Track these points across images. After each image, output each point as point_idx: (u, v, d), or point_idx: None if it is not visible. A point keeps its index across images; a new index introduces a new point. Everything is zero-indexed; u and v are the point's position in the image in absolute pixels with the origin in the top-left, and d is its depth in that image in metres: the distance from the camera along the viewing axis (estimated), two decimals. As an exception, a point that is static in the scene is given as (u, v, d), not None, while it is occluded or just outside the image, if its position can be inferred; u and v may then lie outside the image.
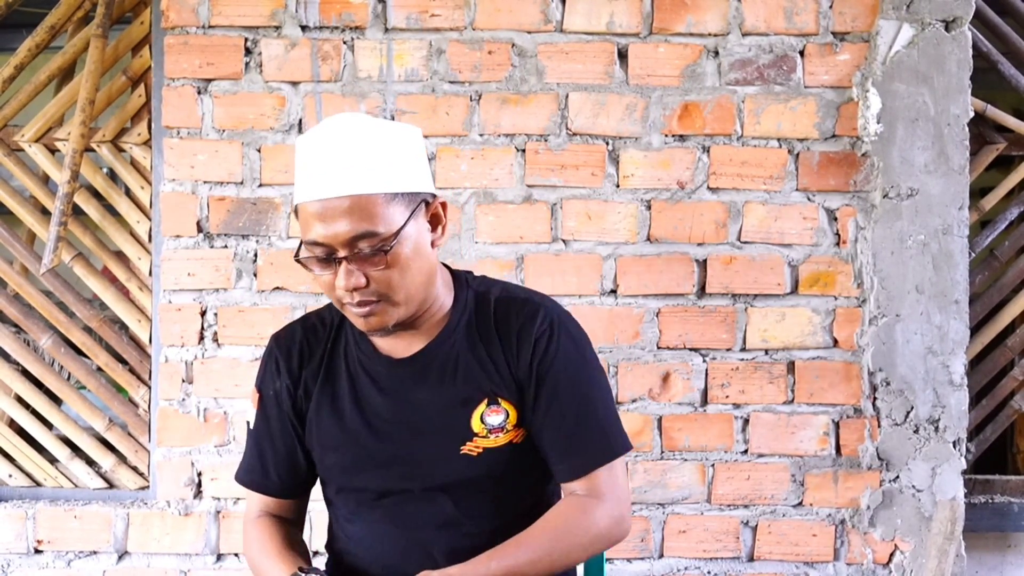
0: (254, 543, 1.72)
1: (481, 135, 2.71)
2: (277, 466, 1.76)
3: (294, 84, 2.71)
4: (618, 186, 2.72)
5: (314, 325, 1.76)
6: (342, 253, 1.53)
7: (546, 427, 1.63)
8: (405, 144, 1.58)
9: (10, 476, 2.86)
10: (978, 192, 2.88)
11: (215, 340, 2.71)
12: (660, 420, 2.72)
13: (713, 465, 2.73)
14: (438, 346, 1.66)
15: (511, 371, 1.63)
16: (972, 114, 2.71)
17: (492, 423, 1.63)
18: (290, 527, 1.79)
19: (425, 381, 1.66)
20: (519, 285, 1.79)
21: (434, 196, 1.61)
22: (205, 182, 2.71)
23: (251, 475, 1.78)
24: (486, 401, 1.63)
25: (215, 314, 2.71)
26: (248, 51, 2.71)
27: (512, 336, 1.63)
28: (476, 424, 1.63)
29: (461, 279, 1.72)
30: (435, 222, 1.61)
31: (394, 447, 1.66)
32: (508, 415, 1.63)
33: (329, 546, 1.83)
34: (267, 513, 1.79)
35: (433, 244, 1.61)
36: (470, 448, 1.63)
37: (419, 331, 1.67)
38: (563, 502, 1.63)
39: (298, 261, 1.56)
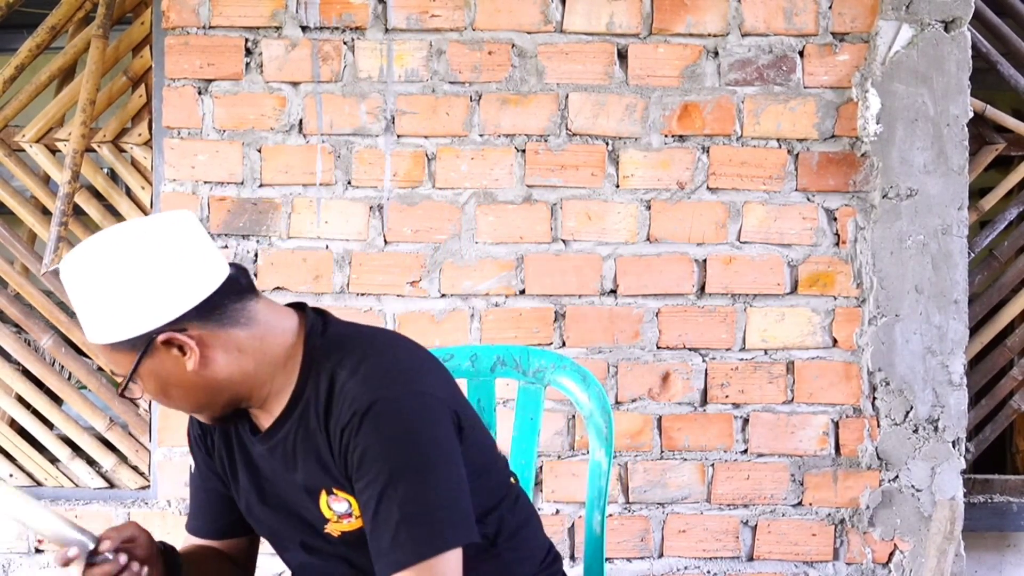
0: None
1: (481, 135, 2.72)
2: (211, 509, 1.77)
3: (294, 84, 2.71)
4: (618, 186, 2.72)
5: None
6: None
7: (364, 521, 1.51)
8: (120, 281, 1.45)
9: (11, 476, 2.86)
10: (977, 192, 2.89)
11: (216, 340, 2.71)
12: (660, 420, 2.73)
13: (713, 465, 2.73)
14: (279, 428, 1.58)
15: (335, 462, 1.53)
16: (971, 114, 2.71)
17: (339, 511, 1.56)
18: (222, 559, 1.79)
19: (278, 460, 1.60)
20: (377, 355, 1.56)
21: (167, 328, 1.46)
22: (205, 182, 2.72)
23: (192, 521, 1.80)
24: (325, 491, 1.56)
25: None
26: (249, 51, 2.72)
27: (332, 427, 1.52)
28: (326, 511, 1.57)
29: (311, 349, 1.56)
30: (184, 350, 1.48)
31: (279, 508, 1.64)
32: (350, 503, 1.54)
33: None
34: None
35: (194, 368, 1.49)
36: (331, 529, 1.58)
37: (271, 408, 1.59)
38: None
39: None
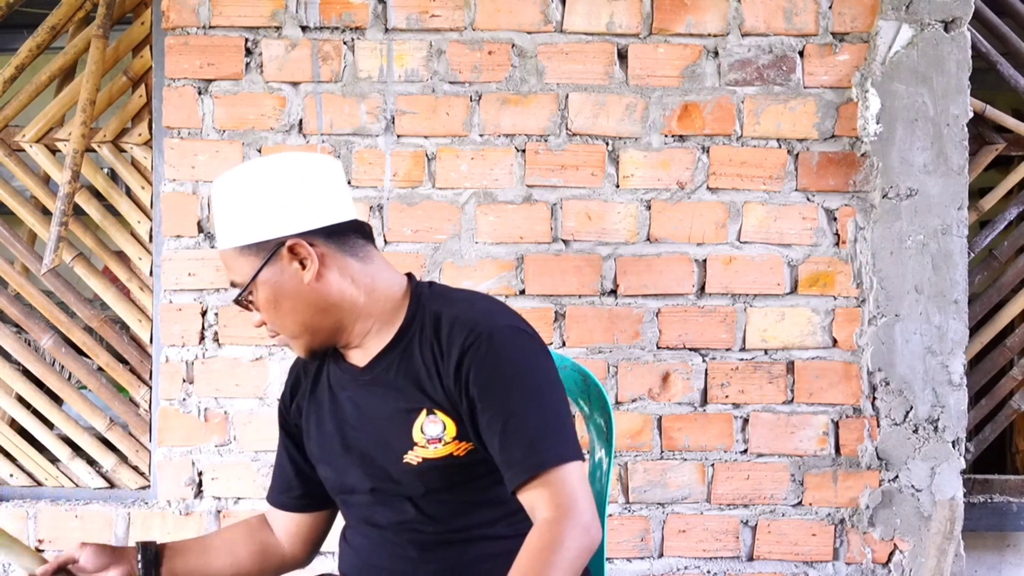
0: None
1: (481, 135, 2.72)
2: (289, 482, 1.88)
3: (294, 84, 2.72)
4: (618, 186, 2.73)
5: None
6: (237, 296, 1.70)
7: (488, 440, 1.61)
8: (261, 191, 1.64)
9: (11, 476, 2.87)
10: (977, 192, 2.89)
11: (216, 340, 2.72)
12: (660, 420, 2.73)
13: (713, 465, 2.74)
14: (384, 358, 1.70)
15: (443, 384, 1.64)
16: (971, 114, 2.71)
17: (431, 433, 1.65)
18: (269, 536, 1.90)
19: (378, 390, 1.70)
20: (483, 301, 1.75)
21: (295, 236, 1.63)
22: (206, 182, 2.72)
23: (271, 493, 1.91)
24: (425, 411, 1.65)
25: (216, 314, 2.71)
26: (248, 51, 2.72)
27: (444, 351, 1.64)
28: (417, 434, 1.65)
29: (417, 293, 1.72)
30: (304, 262, 1.64)
31: (355, 452, 1.73)
32: (445, 427, 1.64)
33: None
34: (267, 522, 1.92)
35: (313, 280, 1.64)
36: (411, 457, 1.66)
37: (369, 345, 1.72)
38: (528, 537, 1.57)
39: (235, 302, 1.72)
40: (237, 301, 1.68)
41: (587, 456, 2.04)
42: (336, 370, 1.77)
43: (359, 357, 1.73)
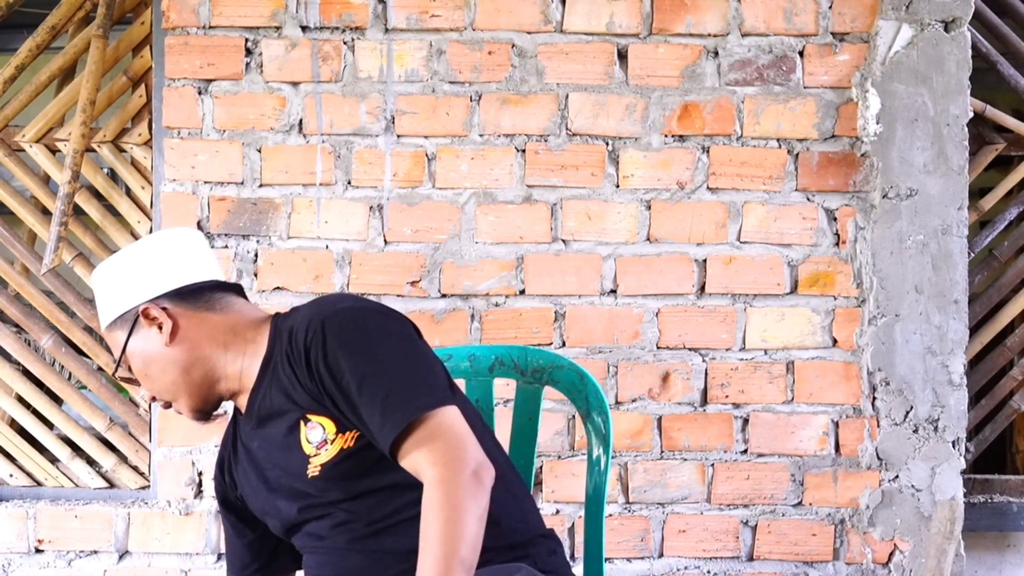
0: None
1: (481, 135, 2.72)
2: (243, 559, 1.90)
3: (294, 84, 2.72)
4: (618, 186, 2.72)
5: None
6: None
7: (358, 418, 1.62)
8: (122, 268, 1.74)
9: (11, 476, 2.87)
10: (977, 192, 2.89)
11: (216, 340, 2.72)
12: (660, 420, 2.73)
13: (713, 465, 2.73)
14: (257, 392, 1.74)
15: (303, 388, 1.66)
16: (971, 114, 2.71)
17: (315, 439, 1.66)
18: None
19: (265, 424, 1.73)
20: (327, 298, 1.78)
21: (147, 302, 1.71)
22: (205, 182, 2.72)
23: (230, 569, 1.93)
24: (302, 422, 1.67)
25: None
26: (248, 51, 2.72)
27: (296, 356, 1.66)
28: (306, 446, 1.67)
29: (275, 325, 1.75)
30: (158, 325, 1.71)
31: (276, 489, 1.75)
32: (324, 427, 1.66)
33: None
34: None
35: (168, 343, 1.71)
36: (312, 470, 1.67)
37: (248, 387, 1.75)
38: (423, 504, 1.52)
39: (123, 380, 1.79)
40: (121, 377, 1.76)
41: (584, 455, 2.04)
42: (241, 426, 1.81)
43: (244, 401, 1.77)
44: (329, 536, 1.70)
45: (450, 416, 1.56)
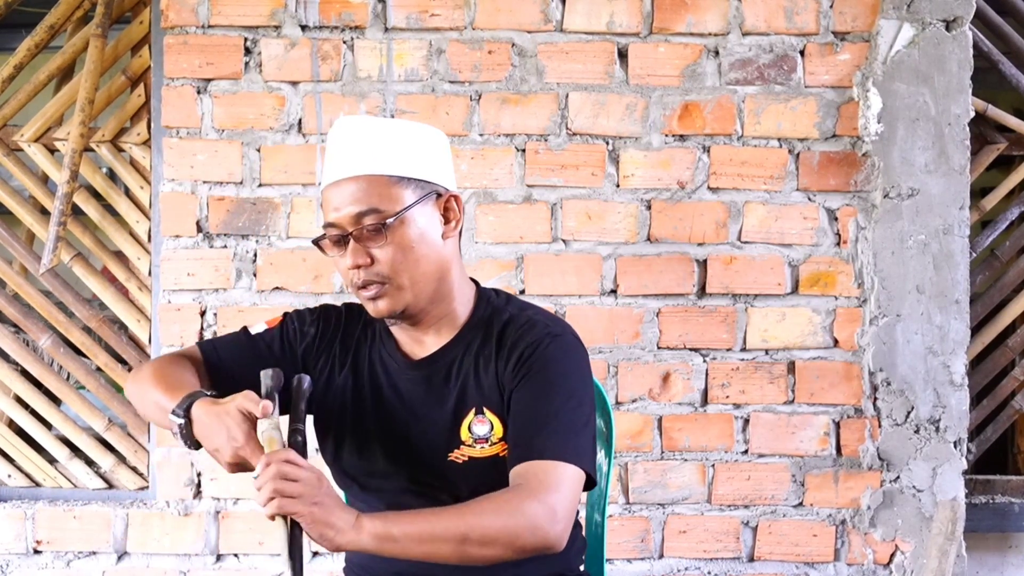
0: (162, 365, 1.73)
1: (481, 135, 2.71)
2: (243, 367, 1.76)
3: (294, 84, 2.71)
4: (618, 186, 2.72)
5: (356, 311, 1.82)
6: (349, 230, 1.61)
7: (511, 418, 1.62)
8: (423, 139, 1.67)
9: (9, 476, 2.86)
10: (979, 192, 2.88)
11: (215, 340, 2.71)
12: (660, 420, 2.72)
13: (713, 465, 2.73)
14: (445, 354, 1.70)
15: (499, 382, 1.65)
16: (973, 114, 2.71)
17: (478, 433, 1.66)
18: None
19: (430, 385, 1.70)
20: (544, 310, 1.77)
21: (448, 191, 1.68)
22: (205, 182, 2.71)
23: (215, 350, 1.80)
24: (474, 410, 1.66)
25: (215, 314, 2.71)
26: (248, 51, 2.71)
27: (506, 349, 1.65)
28: (464, 433, 1.66)
29: (485, 295, 1.76)
30: (448, 216, 1.68)
31: (395, 442, 1.71)
32: (493, 427, 1.65)
33: (348, 559, 1.85)
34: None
35: (444, 236, 1.67)
36: (456, 456, 1.66)
37: (432, 335, 1.71)
38: (499, 492, 1.56)
39: (315, 243, 1.66)
40: (360, 231, 1.60)
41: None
42: (384, 354, 1.74)
43: (418, 347, 1.72)
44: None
45: (578, 480, 1.58)
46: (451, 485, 1.67)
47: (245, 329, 1.82)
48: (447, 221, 1.67)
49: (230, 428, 1.51)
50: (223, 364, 1.77)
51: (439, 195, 1.66)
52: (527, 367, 1.62)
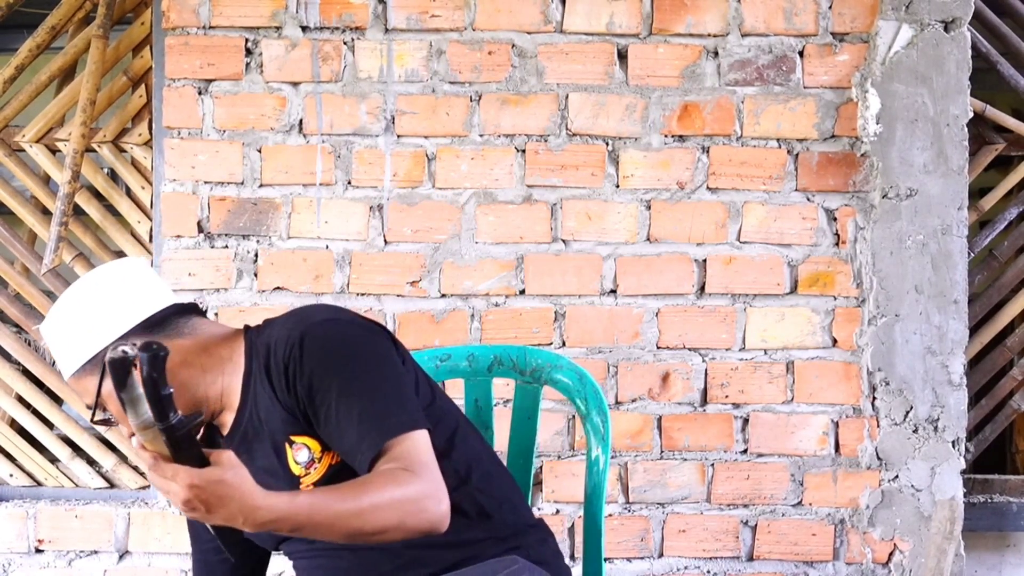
0: None
1: (481, 135, 2.72)
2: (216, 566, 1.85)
3: (295, 85, 2.72)
4: (618, 186, 2.72)
5: None
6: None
7: (330, 437, 1.60)
8: (74, 314, 1.63)
9: (11, 476, 2.87)
10: (977, 192, 2.89)
11: (216, 340, 2.72)
12: (660, 420, 2.73)
13: (713, 465, 2.73)
14: (241, 413, 1.69)
15: (283, 406, 1.63)
16: (971, 114, 2.71)
17: (303, 460, 1.64)
18: None
19: (250, 446, 1.69)
20: (300, 310, 1.72)
21: (114, 343, 1.60)
22: (206, 182, 2.72)
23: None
24: (287, 444, 1.65)
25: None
26: (249, 52, 2.72)
27: (275, 376, 1.63)
28: (294, 467, 1.65)
29: (250, 341, 1.70)
30: None
31: None
32: (309, 447, 1.64)
33: None
34: None
35: None
36: (304, 489, 1.64)
37: (230, 406, 1.70)
38: (380, 470, 1.54)
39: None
40: (98, 422, 1.64)
41: (584, 455, 2.04)
42: (221, 444, 1.74)
43: (226, 422, 1.72)
44: (320, 540, 1.67)
45: (420, 442, 1.56)
46: None
47: (192, 545, 1.90)
48: None
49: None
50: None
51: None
52: (296, 381, 1.59)
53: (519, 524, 1.76)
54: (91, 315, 1.63)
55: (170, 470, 1.40)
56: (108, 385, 1.55)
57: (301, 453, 1.64)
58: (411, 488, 1.49)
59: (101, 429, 1.66)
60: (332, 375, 1.58)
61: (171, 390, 1.37)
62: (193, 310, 1.71)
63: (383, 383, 1.60)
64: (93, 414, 1.61)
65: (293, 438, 1.64)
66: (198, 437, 1.57)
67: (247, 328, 1.73)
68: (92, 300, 1.64)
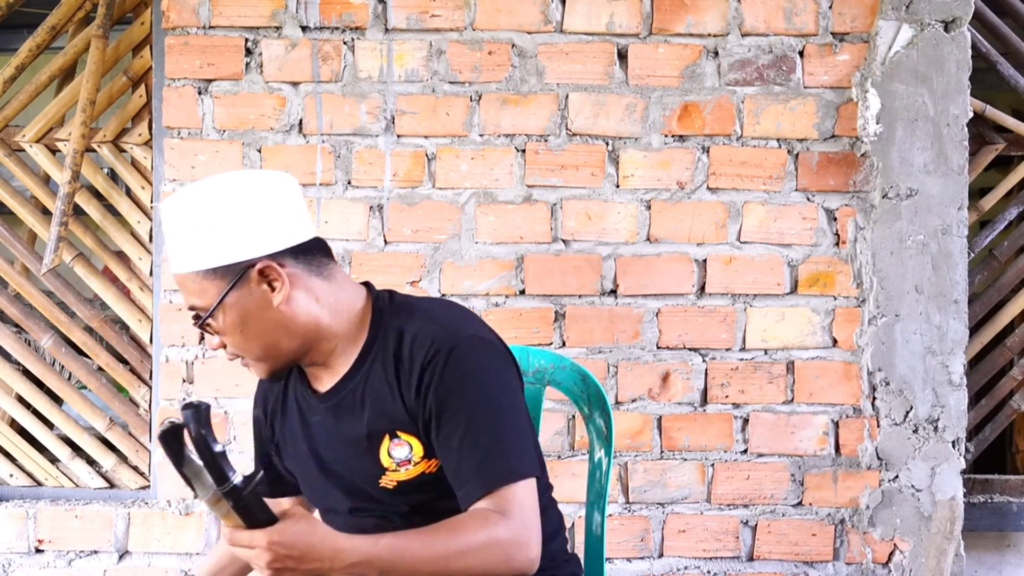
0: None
1: (481, 135, 2.72)
2: (282, 475, 1.87)
3: (294, 84, 2.71)
4: (618, 186, 2.72)
5: None
6: (194, 320, 1.62)
7: (443, 455, 1.61)
8: (222, 212, 1.58)
9: (11, 476, 2.87)
10: (977, 192, 2.89)
11: (216, 340, 2.71)
12: (660, 420, 2.73)
13: (713, 465, 2.74)
14: (345, 384, 1.68)
15: (406, 406, 1.63)
16: (971, 114, 2.71)
17: (398, 457, 1.64)
18: None
19: (342, 415, 1.68)
20: (432, 308, 1.71)
21: (265, 258, 1.58)
22: (206, 182, 2.71)
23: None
24: (388, 436, 1.64)
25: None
26: (248, 51, 2.72)
27: (406, 369, 1.62)
28: (385, 459, 1.65)
29: (378, 309, 1.69)
30: (273, 285, 1.59)
31: (332, 475, 1.72)
32: (412, 448, 1.63)
33: None
34: None
35: (278, 304, 1.60)
36: (386, 482, 1.65)
37: (328, 369, 1.70)
38: (468, 512, 1.57)
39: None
40: (200, 325, 1.61)
41: (587, 456, 2.04)
42: (302, 392, 1.75)
43: (323, 379, 1.71)
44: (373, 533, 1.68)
45: (531, 490, 1.58)
46: (391, 507, 1.68)
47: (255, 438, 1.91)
48: (273, 290, 1.59)
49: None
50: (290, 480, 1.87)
51: (256, 269, 1.58)
52: (432, 396, 1.59)
53: (559, 554, 1.81)
54: (242, 220, 1.57)
55: (246, 537, 1.41)
56: (235, 296, 1.57)
57: (400, 449, 1.64)
58: (500, 535, 1.51)
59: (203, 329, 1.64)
60: (468, 399, 1.58)
61: (223, 447, 1.37)
62: (327, 249, 1.68)
63: (511, 424, 1.60)
64: (200, 319, 1.59)
65: (400, 433, 1.63)
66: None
67: (370, 288, 1.72)
68: (247, 205, 1.58)
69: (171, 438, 1.35)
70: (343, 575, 1.46)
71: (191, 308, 1.62)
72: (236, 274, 1.57)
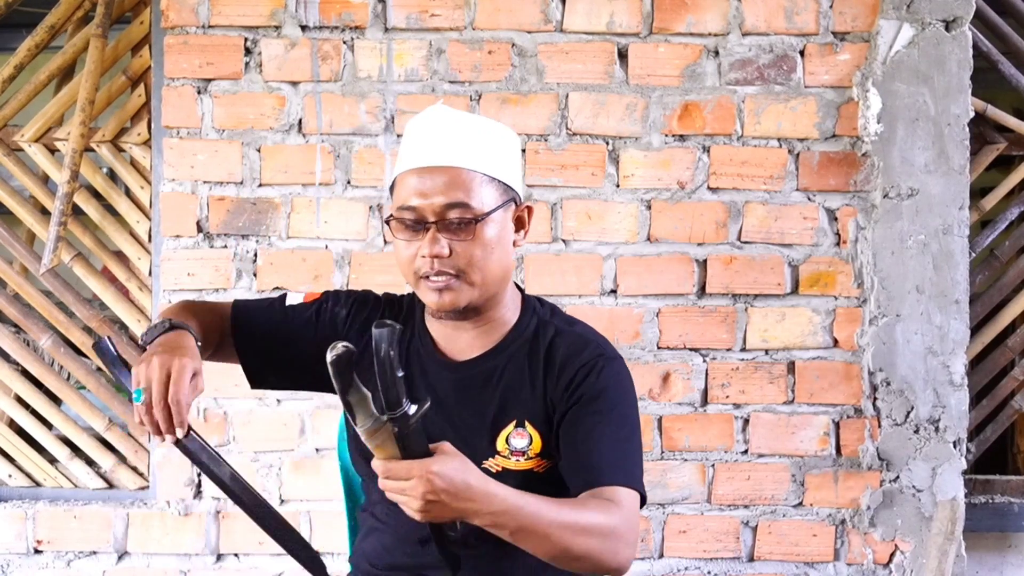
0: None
1: (481, 135, 2.71)
2: (268, 338, 1.78)
3: (294, 84, 2.71)
4: (618, 186, 2.72)
5: (395, 303, 1.81)
6: (432, 219, 1.59)
7: (574, 442, 1.62)
8: (509, 144, 1.68)
9: (10, 476, 2.86)
10: (978, 192, 2.88)
11: (215, 340, 2.71)
12: (660, 420, 2.72)
13: (713, 465, 2.73)
14: (487, 359, 1.69)
15: (546, 396, 1.65)
16: (972, 114, 2.71)
17: (515, 446, 1.65)
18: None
19: (468, 390, 1.69)
20: (588, 327, 1.77)
21: (522, 200, 1.69)
22: (205, 182, 2.71)
23: (247, 312, 1.81)
24: (514, 423, 1.65)
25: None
26: (248, 51, 2.71)
27: (556, 364, 1.65)
28: (501, 443, 1.65)
29: (530, 304, 1.75)
30: (519, 224, 1.69)
31: (458, 434, 1.68)
32: (531, 441, 1.64)
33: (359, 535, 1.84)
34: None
35: (515, 244, 1.69)
36: (490, 464, 1.65)
37: (475, 338, 1.70)
38: (591, 494, 1.58)
39: (387, 222, 1.65)
40: (456, 220, 1.59)
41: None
42: (422, 351, 1.73)
43: (457, 348, 1.70)
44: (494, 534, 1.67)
45: (638, 503, 1.61)
46: None
47: (283, 297, 1.82)
48: (517, 230, 1.69)
49: (159, 370, 1.55)
50: (251, 327, 1.78)
51: (516, 203, 1.68)
52: (582, 391, 1.62)
53: None
54: (517, 163, 1.69)
55: (404, 467, 1.39)
56: (502, 213, 1.63)
57: (520, 439, 1.65)
58: (617, 526, 1.53)
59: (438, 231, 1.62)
60: (615, 404, 1.63)
61: (403, 373, 1.35)
62: None
63: (639, 445, 1.66)
64: (478, 218, 1.59)
65: (527, 423, 1.65)
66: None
67: (520, 289, 1.79)
68: (517, 153, 1.71)
69: (341, 363, 1.32)
70: (485, 521, 1.45)
71: (448, 206, 1.59)
72: (510, 197, 1.65)
